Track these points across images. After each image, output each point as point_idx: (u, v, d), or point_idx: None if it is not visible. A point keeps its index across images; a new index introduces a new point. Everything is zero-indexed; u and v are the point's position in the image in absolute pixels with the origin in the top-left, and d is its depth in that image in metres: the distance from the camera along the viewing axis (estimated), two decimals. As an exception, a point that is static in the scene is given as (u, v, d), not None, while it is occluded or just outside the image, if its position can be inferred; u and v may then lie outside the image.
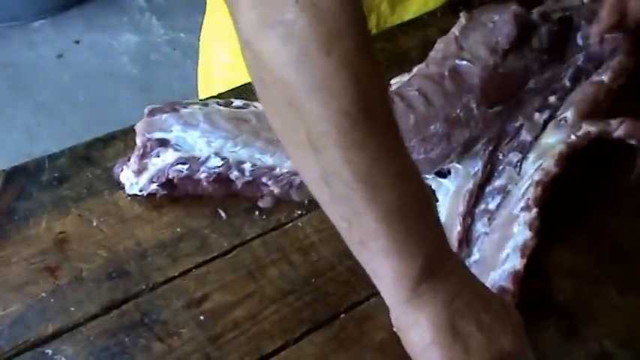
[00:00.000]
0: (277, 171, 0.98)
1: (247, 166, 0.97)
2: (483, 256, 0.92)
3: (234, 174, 0.97)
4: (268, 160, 0.98)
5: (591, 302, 0.93)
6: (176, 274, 0.91)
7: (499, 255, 0.90)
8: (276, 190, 0.98)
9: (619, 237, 1.02)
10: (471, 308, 0.69)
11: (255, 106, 1.02)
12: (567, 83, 1.11)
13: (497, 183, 1.00)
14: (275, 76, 0.63)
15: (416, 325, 0.68)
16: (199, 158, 0.97)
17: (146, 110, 0.99)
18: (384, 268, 0.68)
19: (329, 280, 0.93)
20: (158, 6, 3.14)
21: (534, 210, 0.92)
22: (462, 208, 0.97)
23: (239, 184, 0.97)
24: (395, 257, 0.67)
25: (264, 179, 0.98)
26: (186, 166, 0.96)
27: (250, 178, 0.97)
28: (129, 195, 0.98)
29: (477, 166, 1.01)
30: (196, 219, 0.97)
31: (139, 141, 0.98)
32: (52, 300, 0.86)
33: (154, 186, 0.96)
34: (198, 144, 0.98)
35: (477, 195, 0.99)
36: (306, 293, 0.91)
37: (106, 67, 2.83)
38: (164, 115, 0.99)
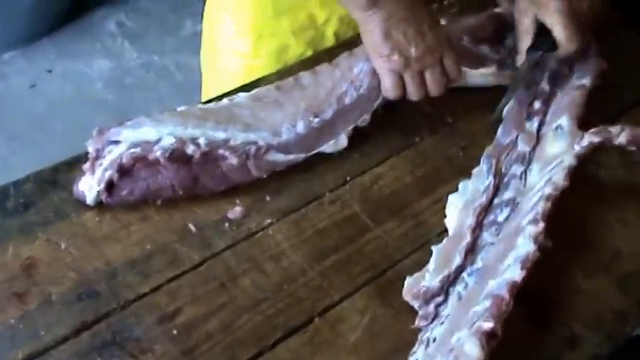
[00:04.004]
0: (232, 142, 1.00)
1: (202, 141, 0.99)
2: (486, 265, 0.93)
3: (190, 148, 0.97)
4: (221, 135, 1.00)
5: (558, 287, 0.94)
6: (147, 291, 0.91)
7: (500, 265, 0.90)
8: (234, 161, 0.99)
9: (583, 223, 1.03)
10: (403, 27, 1.03)
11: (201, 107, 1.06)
12: (546, 87, 1.13)
13: (506, 196, 1.01)
14: None
15: (368, 31, 1.04)
16: (152, 140, 0.98)
17: (94, 131, 1.00)
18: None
19: (301, 285, 0.93)
20: (130, 30, 3.13)
21: (541, 224, 0.92)
22: (471, 221, 0.98)
23: (197, 156, 0.97)
24: None
25: (220, 151, 0.99)
26: (139, 148, 0.97)
27: (207, 149, 0.98)
28: (97, 216, 0.98)
29: (487, 182, 1.02)
30: (166, 234, 0.97)
31: (91, 149, 0.98)
32: (21, 326, 0.86)
33: (108, 173, 0.96)
34: (149, 134, 0.98)
35: (487, 207, 1.00)
36: (279, 300, 0.91)
37: (80, 93, 2.82)
38: (112, 129, 1.00)
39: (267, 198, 1.02)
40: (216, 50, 1.39)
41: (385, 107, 1.12)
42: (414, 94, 1.07)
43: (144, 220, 0.98)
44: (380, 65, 1.06)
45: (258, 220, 1.00)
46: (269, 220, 1.00)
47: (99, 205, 0.98)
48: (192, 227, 0.98)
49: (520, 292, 0.89)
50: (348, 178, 1.06)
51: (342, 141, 1.07)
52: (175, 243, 0.96)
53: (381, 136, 1.12)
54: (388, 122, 1.13)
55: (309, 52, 1.31)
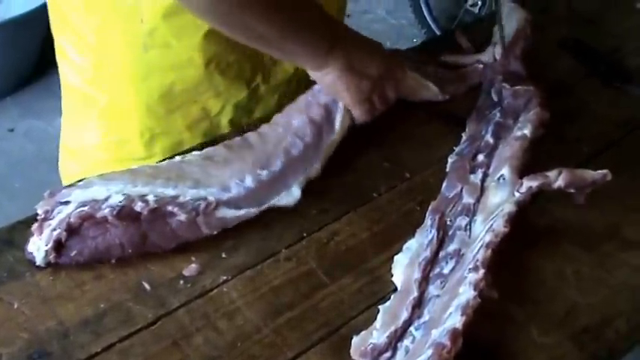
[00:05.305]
0: (181, 199, 0.99)
1: (151, 198, 0.98)
2: (432, 317, 0.93)
3: (138, 205, 0.97)
4: (171, 192, 1.00)
5: (514, 343, 0.94)
6: (99, 350, 0.90)
7: (444, 315, 0.91)
8: (183, 218, 0.98)
9: (539, 276, 1.03)
10: (358, 57, 1.10)
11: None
12: (490, 140, 1.15)
13: (451, 248, 1.02)
14: None
15: (327, 74, 1.09)
16: (100, 199, 0.98)
17: (45, 193, 1.00)
18: (306, 56, 1.08)
19: (255, 342, 0.92)
20: (93, 89, 3.14)
21: (481, 271, 0.93)
22: (418, 275, 0.98)
23: (145, 213, 0.97)
24: (311, 47, 1.06)
25: (169, 207, 0.99)
26: (87, 207, 0.96)
27: (155, 206, 0.98)
28: (51, 275, 0.97)
29: (430, 236, 1.03)
30: (120, 293, 0.96)
31: (40, 211, 0.98)
32: (-32, 389, 0.84)
33: (56, 233, 0.95)
34: (98, 193, 0.98)
35: (432, 261, 1.00)
36: (232, 358, 0.90)
37: (42, 152, 2.82)
38: (63, 190, 1.00)
39: (223, 255, 1.02)
40: (94, 161, 1.29)
41: (342, 162, 1.14)
42: (380, 110, 1.17)
43: (98, 278, 0.97)
44: (351, 97, 1.12)
45: (214, 277, 0.99)
46: (224, 277, 0.99)
47: (53, 264, 0.97)
48: (146, 285, 0.97)
49: (475, 348, 0.90)
50: (304, 235, 1.06)
51: (295, 193, 1.07)
52: (129, 301, 0.95)
53: (339, 192, 1.13)
54: (346, 178, 1.15)
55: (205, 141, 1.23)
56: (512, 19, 1.34)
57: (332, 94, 1.13)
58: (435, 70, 1.27)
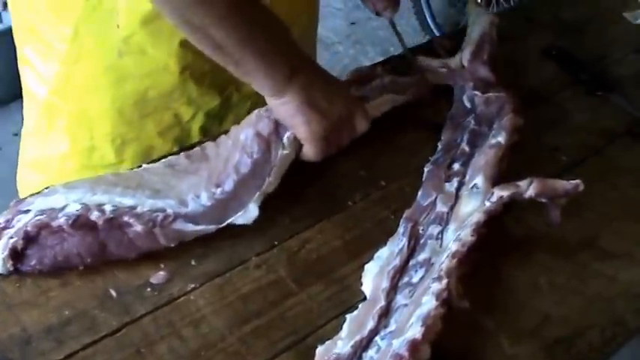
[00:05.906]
0: (139, 209, 0.98)
1: (108, 207, 0.98)
2: (398, 327, 0.92)
3: (94, 214, 0.96)
4: (129, 202, 0.99)
5: (484, 353, 0.93)
6: (61, 358, 0.89)
7: (407, 325, 0.90)
8: (139, 229, 0.97)
9: (512, 286, 1.02)
10: (320, 92, 1.05)
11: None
12: (466, 148, 1.14)
13: (421, 257, 1.01)
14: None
15: (285, 103, 1.04)
16: (58, 208, 0.97)
17: (12, 203, 1.00)
18: (264, 76, 1.01)
19: (219, 351, 0.92)
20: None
21: (444, 281, 0.92)
22: (386, 284, 0.97)
23: (100, 222, 0.96)
24: (270, 66, 1.01)
25: (126, 218, 0.97)
26: (44, 215, 0.96)
27: (111, 216, 0.97)
28: (17, 282, 0.96)
29: (401, 244, 1.02)
30: (85, 300, 0.96)
31: (2, 219, 0.98)
32: None
33: (12, 241, 0.95)
34: (57, 201, 0.98)
35: (402, 270, 0.99)
36: (195, 367, 0.90)
37: (45, 158, 2.82)
38: (27, 199, 1.00)
39: (193, 262, 1.01)
40: (60, 170, 1.28)
41: (318, 170, 1.13)
42: (332, 152, 1.12)
43: (64, 285, 0.97)
44: (309, 133, 1.06)
45: (181, 285, 0.98)
46: (192, 285, 0.99)
47: (20, 270, 0.97)
48: (113, 293, 0.97)
49: (444, 358, 0.89)
50: (275, 243, 1.05)
51: (253, 212, 1.04)
52: (95, 309, 0.95)
53: (313, 200, 1.12)
54: (321, 186, 1.14)
55: (176, 150, 1.23)
56: (478, 24, 1.33)
57: (289, 125, 1.07)
58: (393, 79, 1.25)
